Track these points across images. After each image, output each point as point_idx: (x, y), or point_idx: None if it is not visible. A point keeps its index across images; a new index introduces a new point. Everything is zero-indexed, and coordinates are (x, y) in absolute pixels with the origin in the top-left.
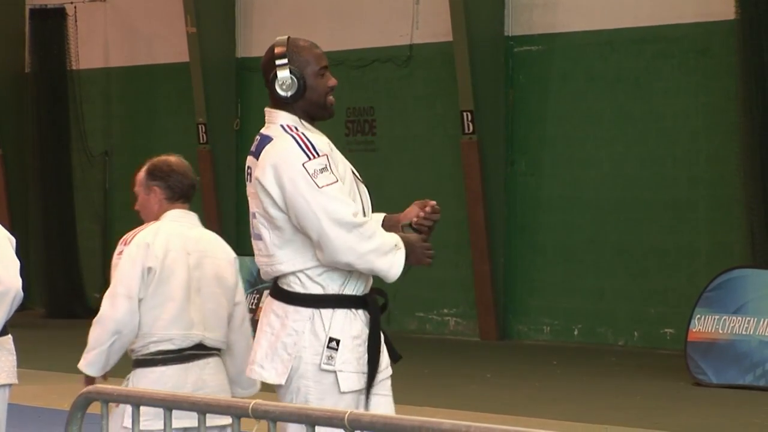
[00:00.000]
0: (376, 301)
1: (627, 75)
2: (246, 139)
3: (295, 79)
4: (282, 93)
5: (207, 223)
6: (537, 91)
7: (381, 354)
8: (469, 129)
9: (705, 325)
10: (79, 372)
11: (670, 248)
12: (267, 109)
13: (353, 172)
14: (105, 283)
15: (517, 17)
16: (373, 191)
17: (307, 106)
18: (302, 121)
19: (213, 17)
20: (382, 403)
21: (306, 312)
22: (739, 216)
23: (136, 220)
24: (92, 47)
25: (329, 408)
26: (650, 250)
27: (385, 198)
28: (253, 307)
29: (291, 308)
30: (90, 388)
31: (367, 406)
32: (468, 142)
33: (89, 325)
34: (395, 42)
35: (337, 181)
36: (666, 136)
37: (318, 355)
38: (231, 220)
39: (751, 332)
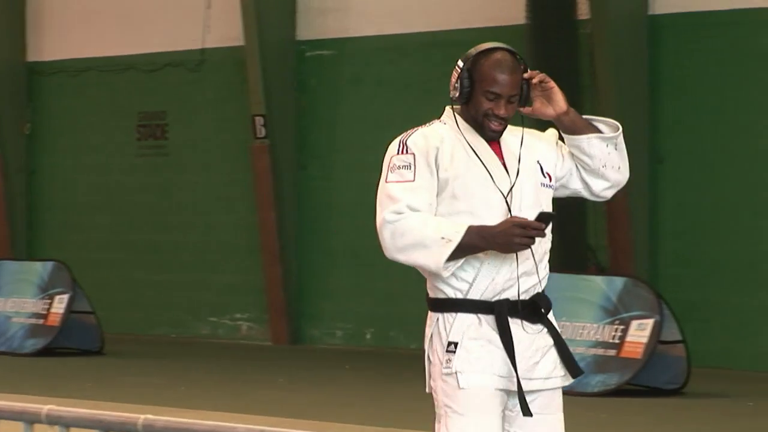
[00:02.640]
0: (504, 307)
1: (416, 80)
2: (37, 143)
3: (459, 87)
4: (451, 90)
5: None
6: (328, 95)
7: (516, 360)
8: (260, 133)
9: None
10: None
11: None
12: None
13: (493, 180)
14: None
15: (310, 22)
16: (163, 195)
17: (469, 117)
18: (460, 119)
19: (2, 21)
20: (541, 422)
21: (434, 317)
22: None
23: None
24: None
25: (124, 414)
26: None
27: (175, 201)
28: (44, 312)
29: (428, 315)
30: None
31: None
32: (259, 146)
33: None
34: (187, 46)
35: (412, 180)
36: None
37: (442, 358)
38: (22, 225)
39: None
